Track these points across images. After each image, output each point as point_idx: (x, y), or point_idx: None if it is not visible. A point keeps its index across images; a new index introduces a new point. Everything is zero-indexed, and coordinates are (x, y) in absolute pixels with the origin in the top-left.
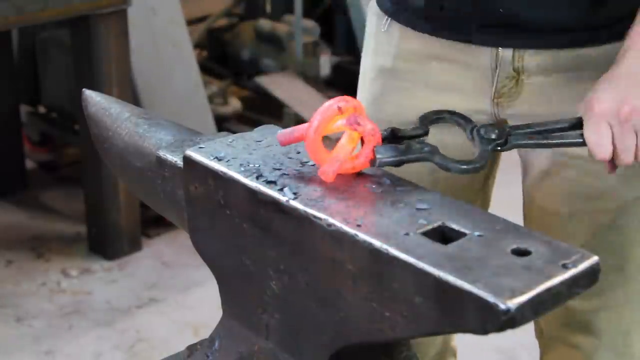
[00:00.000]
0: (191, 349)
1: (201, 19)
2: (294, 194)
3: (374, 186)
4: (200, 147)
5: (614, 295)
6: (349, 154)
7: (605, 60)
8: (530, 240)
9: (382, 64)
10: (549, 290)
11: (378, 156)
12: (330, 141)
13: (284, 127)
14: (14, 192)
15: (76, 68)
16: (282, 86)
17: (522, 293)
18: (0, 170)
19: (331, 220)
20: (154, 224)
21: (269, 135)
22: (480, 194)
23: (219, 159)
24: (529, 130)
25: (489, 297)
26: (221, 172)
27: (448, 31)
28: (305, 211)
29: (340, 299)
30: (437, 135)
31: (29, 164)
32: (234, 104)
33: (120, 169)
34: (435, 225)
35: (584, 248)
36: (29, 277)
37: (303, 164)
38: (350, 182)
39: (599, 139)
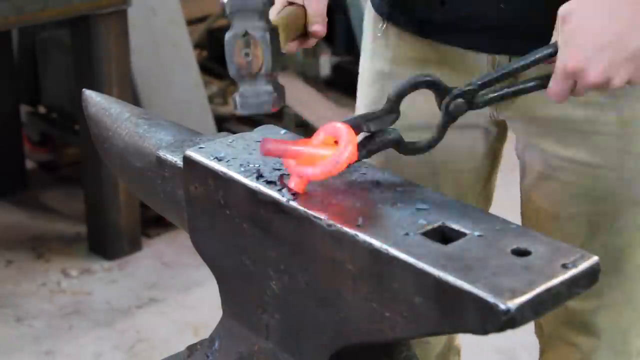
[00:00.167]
0: (191, 349)
1: (201, 19)
2: (294, 194)
3: (374, 186)
4: (200, 147)
5: (613, 295)
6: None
7: None
8: (530, 240)
9: (380, 68)
10: (549, 290)
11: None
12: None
13: (284, 127)
14: (14, 192)
15: (76, 68)
16: None
17: (522, 293)
18: (0, 170)
19: (331, 221)
20: (154, 224)
21: (269, 135)
22: (482, 195)
23: (219, 159)
24: (497, 88)
25: (489, 297)
26: (221, 172)
27: (444, 36)
28: (305, 211)
29: (340, 299)
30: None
31: (29, 164)
32: None
33: (120, 169)
34: (435, 225)
35: (583, 249)
36: (29, 277)
37: None
38: (351, 182)
39: (561, 92)
